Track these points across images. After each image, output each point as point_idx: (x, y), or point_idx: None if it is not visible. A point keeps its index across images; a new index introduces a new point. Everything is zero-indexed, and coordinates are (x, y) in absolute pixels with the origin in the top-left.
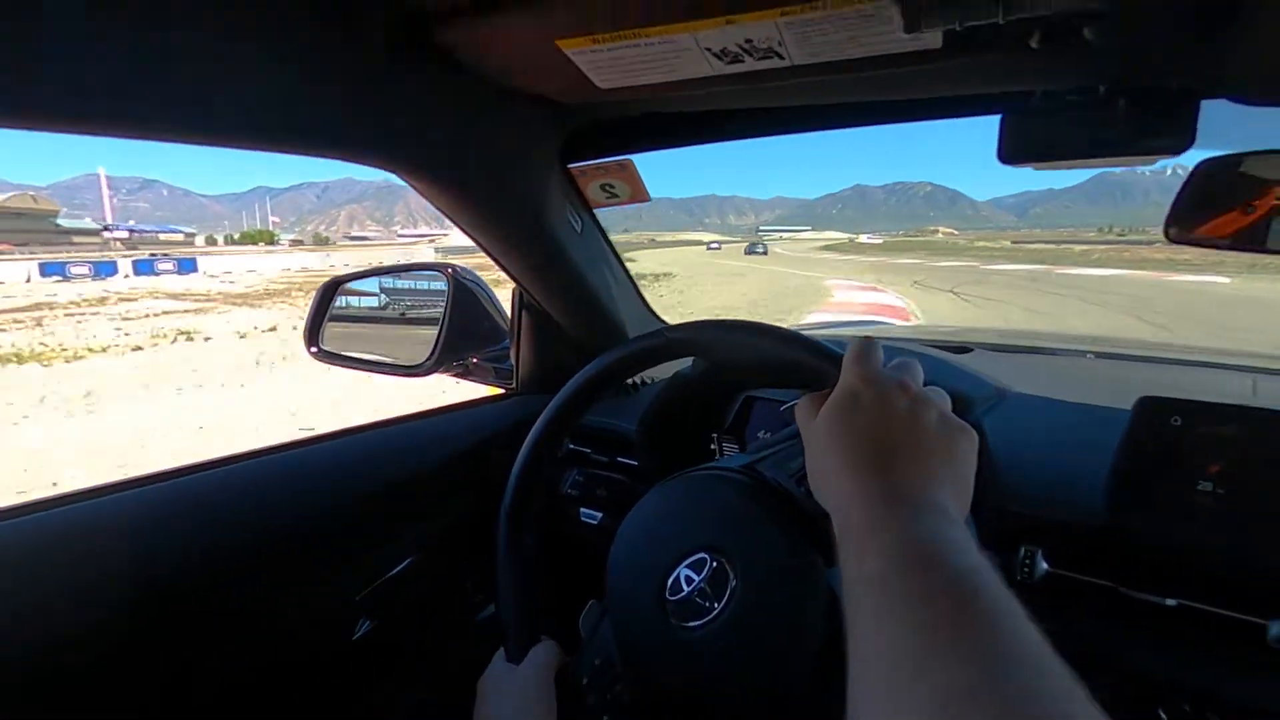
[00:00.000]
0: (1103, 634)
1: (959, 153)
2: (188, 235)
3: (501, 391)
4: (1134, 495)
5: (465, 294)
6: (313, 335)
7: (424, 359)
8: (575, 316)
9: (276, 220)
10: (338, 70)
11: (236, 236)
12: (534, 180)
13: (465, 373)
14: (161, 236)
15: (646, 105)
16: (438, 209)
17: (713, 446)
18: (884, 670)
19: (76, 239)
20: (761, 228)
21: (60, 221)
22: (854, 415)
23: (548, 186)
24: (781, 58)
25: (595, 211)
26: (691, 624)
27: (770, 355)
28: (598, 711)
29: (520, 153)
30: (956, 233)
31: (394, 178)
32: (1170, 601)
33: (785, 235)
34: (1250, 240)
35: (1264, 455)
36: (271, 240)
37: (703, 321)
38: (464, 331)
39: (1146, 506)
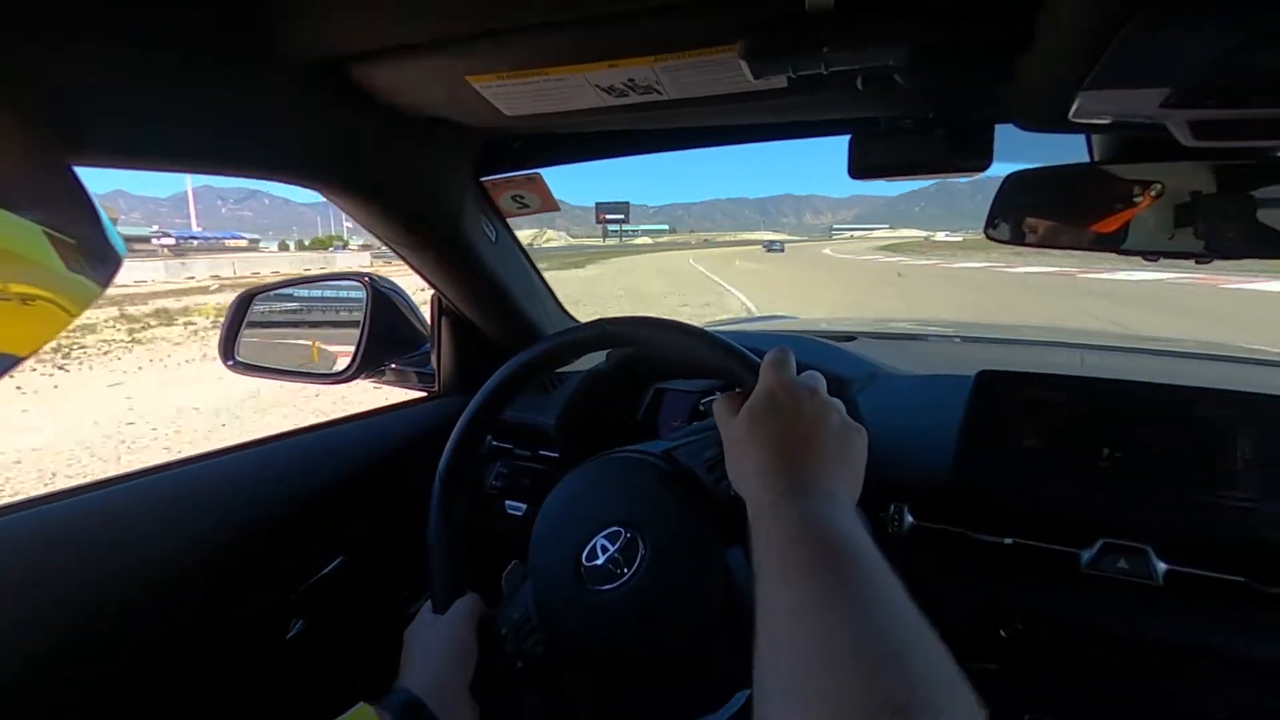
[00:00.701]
0: (957, 572)
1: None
2: (251, 241)
3: (424, 395)
4: (975, 453)
5: (383, 301)
6: (228, 348)
7: (345, 367)
8: (493, 320)
9: (350, 224)
10: (264, 102)
11: (308, 242)
12: (449, 195)
13: (387, 378)
14: (228, 243)
15: (551, 127)
16: (359, 223)
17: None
18: (784, 622)
19: (135, 246)
20: (835, 227)
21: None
22: (770, 416)
23: (462, 200)
24: (660, 93)
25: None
26: (604, 588)
27: (696, 356)
28: (514, 660)
29: (435, 171)
30: None
31: None
32: (1007, 540)
33: (858, 234)
34: (1060, 241)
35: (1073, 414)
36: (330, 245)
37: (639, 318)
38: (384, 338)
39: (985, 462)
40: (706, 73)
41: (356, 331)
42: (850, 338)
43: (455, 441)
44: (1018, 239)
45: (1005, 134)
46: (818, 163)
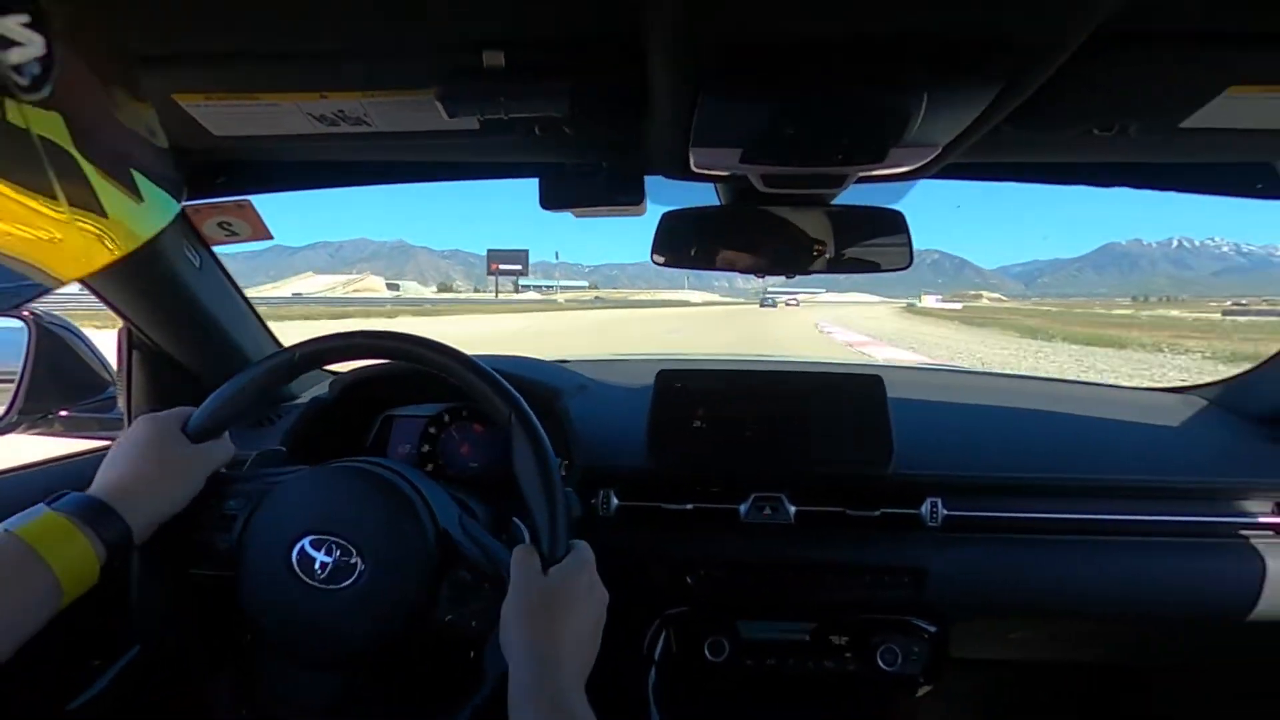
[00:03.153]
0: (655, 537)
1: (968, 218)
2: None
3: (109, 443)
4: (660, 440)
5: (51, 340)
6: None
7: None
8: (197, 352)
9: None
10: None
11: None
12: None
13: (55, 428)
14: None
15: (264, 153)
16: None
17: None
18: None
19: None
20: (769, 290)
21: None
22: (568, 603)
23: None
24: (368, 124)
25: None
26: (303, 578)
27: (529, 485)
28: (203, 531)
29: None
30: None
31: (407, 238)
32: (689, 506)
33: (802, 296)
34: (704, 264)
35: (724, 400)
36: None
37: (523, 414)
38: (52, 382)
39: (667, 446)
40: (409, 110)
41: (14, 377)
42: (565, 361)
43: (329, 341)
44: (675, 263)
45: (659, 183)
46: None
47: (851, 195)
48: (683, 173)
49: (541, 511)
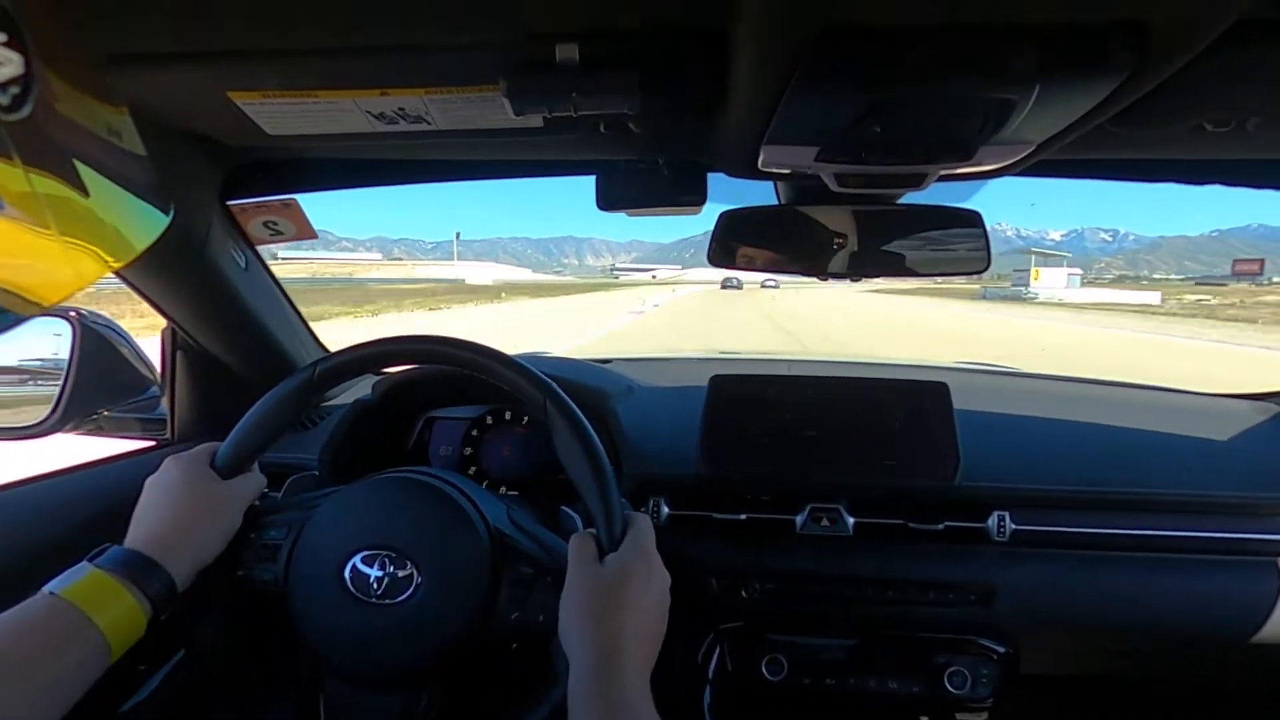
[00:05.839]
0: (708, 549)
1: None
2: None
3: (153, 444)
4: (713, 447)
5: (96, 341)
6: None
7: (42, 418)
8: (242, 354)
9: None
10: None
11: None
12: (190, 217)
13: (99, 428)
14: None
15: (311, 151)
16: None
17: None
18: None
19: None
20: (617, 268)
21: None
22: (626, 591)
23: (207, 224)
24: (429, 123)
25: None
26: (359, 595)
27: (578, 474)
28: (246, 566)
29: (174, 189)
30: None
31: None
32: (743, 516)
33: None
34: (762, 265)
35: (781, 406)
36: None
37: (572, 415)
38: (96, 383)
39: (721, 454)
40: (473, 107)
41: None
42: (607, 362)
43: (349, 353)
44: (734, 265)
45: (719, 181)
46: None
47: (919, 193)
48: (747, 171)
49: (592, 495)
